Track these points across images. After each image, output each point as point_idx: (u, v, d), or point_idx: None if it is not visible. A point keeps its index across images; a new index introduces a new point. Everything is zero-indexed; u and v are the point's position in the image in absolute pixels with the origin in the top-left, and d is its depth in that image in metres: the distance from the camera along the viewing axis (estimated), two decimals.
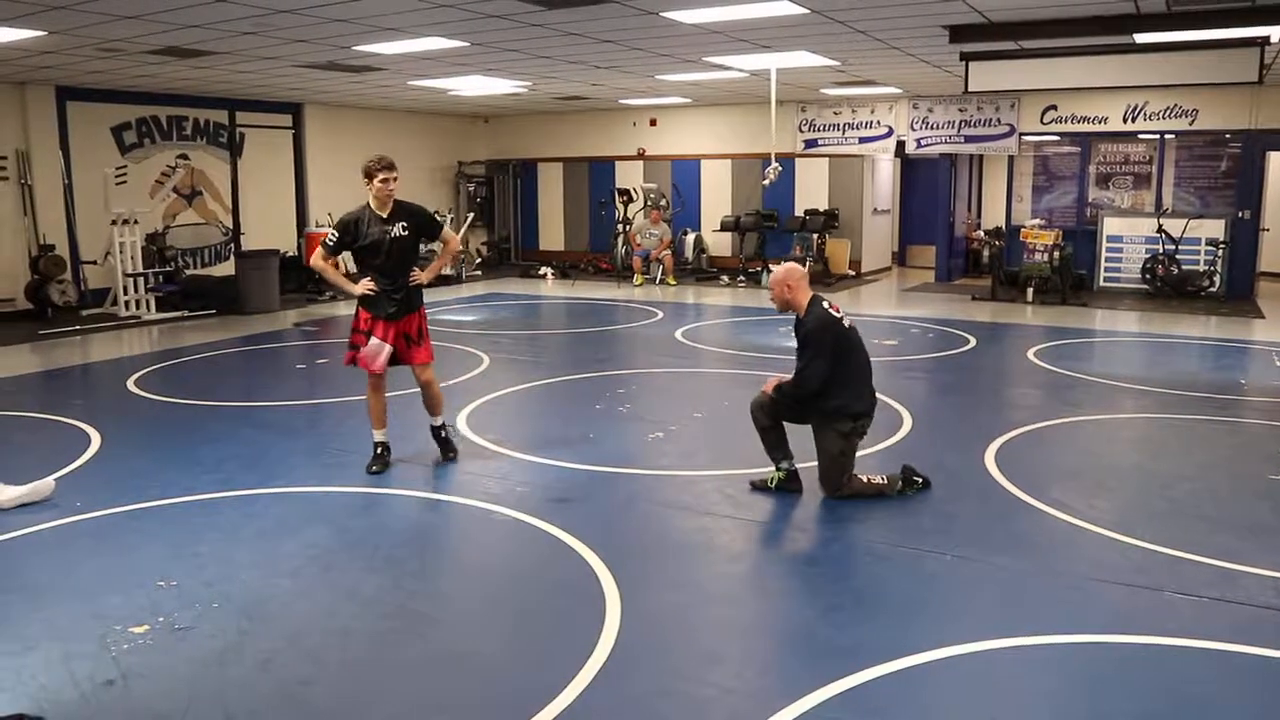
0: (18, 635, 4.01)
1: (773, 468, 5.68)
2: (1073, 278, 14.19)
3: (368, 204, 6.02)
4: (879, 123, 16.60)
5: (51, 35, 9.31)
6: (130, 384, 8.91)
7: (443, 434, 6.41)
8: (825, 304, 5.54)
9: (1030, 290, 13.91)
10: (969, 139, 15.86)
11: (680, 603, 4.28)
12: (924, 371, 9.47)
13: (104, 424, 7.34)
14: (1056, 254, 13.87)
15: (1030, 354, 10.04)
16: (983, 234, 17.43)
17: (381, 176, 5.92)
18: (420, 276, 6.13)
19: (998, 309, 13.38)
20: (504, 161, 20.07)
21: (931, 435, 7.02)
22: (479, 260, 18.73)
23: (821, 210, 16.81)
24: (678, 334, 11.33)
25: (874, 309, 13.59)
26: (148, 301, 13.31)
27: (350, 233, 6.00)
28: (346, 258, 6.98)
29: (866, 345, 5.82)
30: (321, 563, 4.72)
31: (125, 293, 13.17)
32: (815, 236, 16.38)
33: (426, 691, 3.63)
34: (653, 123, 18.50)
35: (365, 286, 6.01)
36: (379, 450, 6.19)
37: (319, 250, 6.13)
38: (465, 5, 8.25)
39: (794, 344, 5.70)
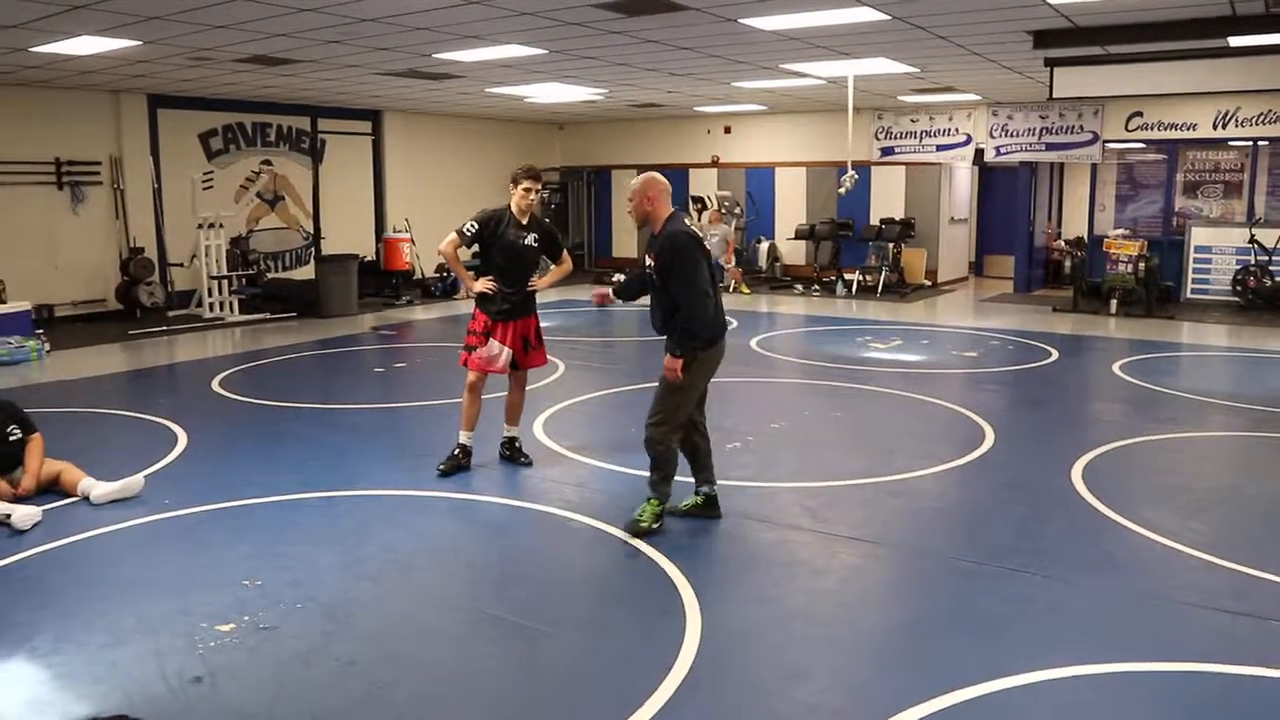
0: (111, 628, 4.10)
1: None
2: (1159, 289, 13.79)
3: (509, 207, 6.12)
4: (957, 130, 16.34)
5: (146, 45, 9.57)
6: (215, 384, 9.10)
7: (517, 443, 6.46)
8: (686, 219, 5.20)
9: (1114, 302, 13.55)
10: (1050, 146, 15.53)
11: (762, 617, 4.22)
12: (1004, 384, 9.27)
13: (190, 423, 7.51)
14: (1142, 265, 13.49)
15: (1115, 368, 9.77)
16: (1064, 244, 17.08)
17: (525, 185, 6.06)
18: (538, 283, 6.25)
19: (1080, 321, 13.05)
20: (578, 168, 20.18)
21: (1014, 450, 6.86)
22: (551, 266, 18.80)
23: (898, 219, 16.61)
24: (753, 343, 11.25)
25: (951, 320, 13.36)
26: (231, 304, 13.64)
27: (489, 229, 6.07)
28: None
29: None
30: (401, 566, 4.76)
31: (210, 295, 13.52)
32: (891, 245, 16.17)
33: (504, 699, 3.63)
34: (727, 130, 18.45)
35: (485, 284, 6.07)
36: (457, 451, 6.23)
37: (452, 236, 6.05)
38: (544, 13, 8.29)
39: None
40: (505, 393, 6.45)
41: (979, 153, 16.27)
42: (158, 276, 13.67)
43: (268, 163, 15.45)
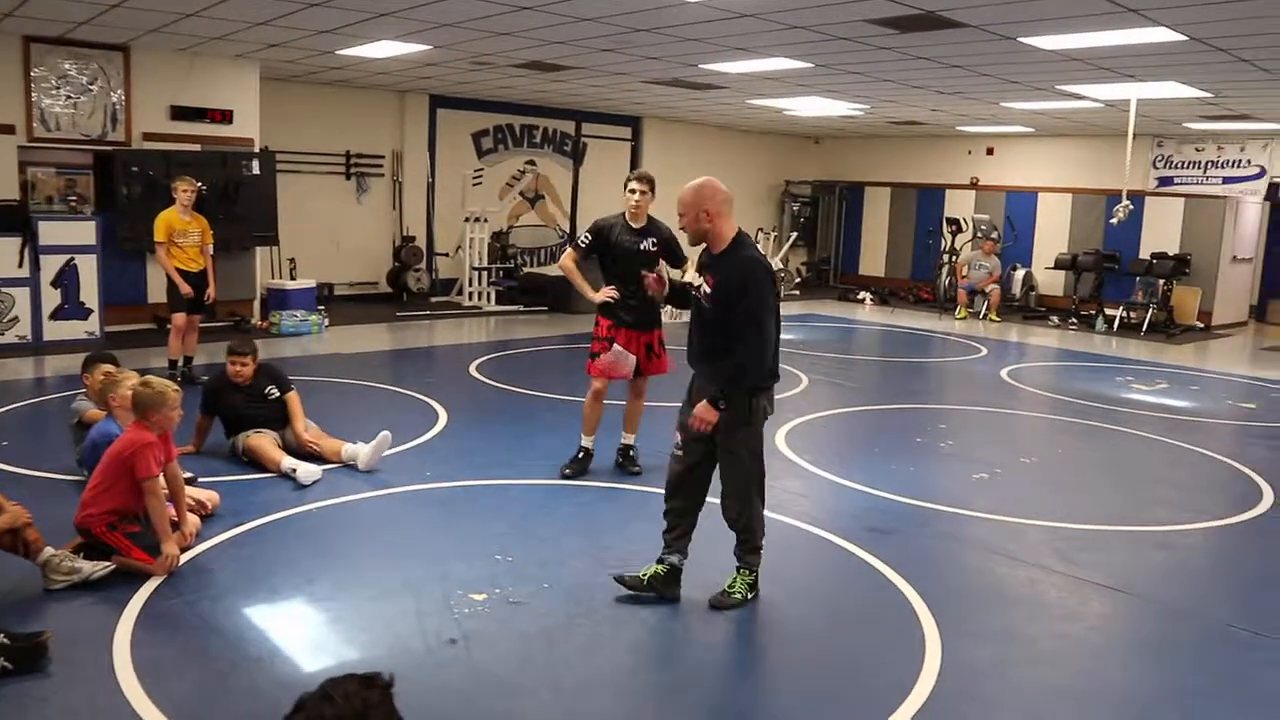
0: (378, 584, 4.44)
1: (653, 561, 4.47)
2: None
3: (623, 214, 6.12)
4: (1249, 162, 15.10)
5: (436, 49, 10.27)
6: (472, 369, 9.64)
7: (632, 452, 6.40)
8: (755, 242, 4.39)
9: None
10: None
11: (1007, 657, 4.05)
12: None
13: (449, 403, 7.99)
14: None
15: None
16: None
17: (630, 188, 6.02)
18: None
19: None
20: (831, 183, 20.02)
21: None
22: (797, 280, 18.75)
23: (1171, 254, 15.48)
24: (1003, 373, 10.79)
25: (1226, 366, 12.31)
26: (488, 294, 14.40)
27: (602, 238, 6.11)
28: None
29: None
30: (643, 558, 4.83)
31: (470, 284, 14.32)
32: (1161, 282, 15.10)
33: (733, 702, 3.66)
34: (989, 151, 17.80)
35: (607, 294, 6.04)
36: (580, 454, 6.26)
37: (569, 250, 6.26)
38: (816, 27, 8.29)
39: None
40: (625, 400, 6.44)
41: (1273, 187, 14.94)
42: (425, 264, 14.63)
43: (531, 163, 16.21)
